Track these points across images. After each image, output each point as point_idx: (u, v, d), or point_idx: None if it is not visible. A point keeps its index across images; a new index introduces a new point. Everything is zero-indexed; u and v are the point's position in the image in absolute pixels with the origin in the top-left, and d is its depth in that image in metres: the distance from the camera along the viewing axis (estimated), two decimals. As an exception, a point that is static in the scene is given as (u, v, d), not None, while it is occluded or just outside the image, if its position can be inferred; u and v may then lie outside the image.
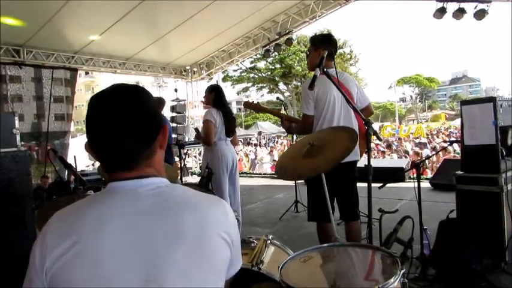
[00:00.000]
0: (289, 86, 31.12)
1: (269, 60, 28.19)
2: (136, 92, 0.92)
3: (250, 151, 15.36)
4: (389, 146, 12.79)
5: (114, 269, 0.80)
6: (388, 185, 3.11)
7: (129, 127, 0.86)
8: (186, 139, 10.46)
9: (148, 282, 0.80)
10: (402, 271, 1.25)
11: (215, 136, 3.86)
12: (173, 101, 10.65)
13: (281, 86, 32.12)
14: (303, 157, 1.93)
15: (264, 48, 9.25)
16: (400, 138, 16.95)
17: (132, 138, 0.87)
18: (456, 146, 9.09)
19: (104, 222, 0.83)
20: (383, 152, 11.35)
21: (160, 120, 0.94)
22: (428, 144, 12.70)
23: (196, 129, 4.59)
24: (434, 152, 8.74)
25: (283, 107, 6.01)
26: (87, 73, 41.45)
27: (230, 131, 3.97)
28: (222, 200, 0.97)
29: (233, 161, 4.00)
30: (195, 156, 11.83)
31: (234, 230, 0.94)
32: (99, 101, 0.89)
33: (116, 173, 0.90)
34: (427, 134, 18.38)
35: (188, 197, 0.92)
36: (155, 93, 20.15)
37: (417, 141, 14.53)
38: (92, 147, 0.89)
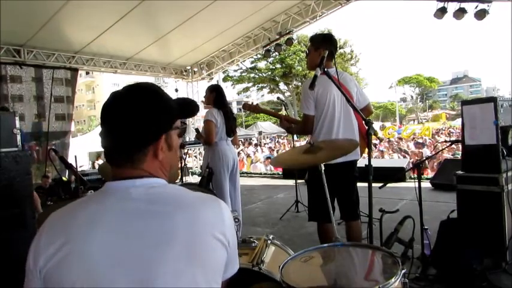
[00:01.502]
0: (290, 86, 31.13)
1: (269, 60, 28.24)
2: (144, 96, 0.94)
3: (250, 152, 15.37)
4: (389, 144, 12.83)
5: (104, 269, 0.80)
6: (388, 184, 3.10)
7: (122, 129, 0.90)
8: (187, 139, 10.46)
9: (138, 283, 0.80)
10: (403, 271, 1.25)
11: (216, 136, 3.86)
12: (174, 101, 10.67)
13: (282, 86, 32.14)
14: (302, 153, 1.95)
15: (264, 48, 9.23)
16: (400, 138, 16.92)
17: (121, 139, 0.91)
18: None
19: (95, 222, 0.84)
20: (382, 152, 11.34)
21: (159, 131, 0.94)
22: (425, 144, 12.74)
23: (196, 130, 4.59)
24: (434, 152, 8.74)
25: (283, 107, 6.01)
26: (87, 73, 41.51)
27: (231, 131, 3.98)
28: (217, 200, 0.95)
29: (234, 161, 4.00)
30: (195, 156, 11.83)
31: (230, 231, 0.92)
32: (110, 97, 0.95)
33: (113, 168, 0.94)
34: (433, 135, 18.33)
35: (181, 197, 0.91)
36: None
37: (416, 141, 14.55)
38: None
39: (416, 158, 9.41)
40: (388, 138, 16.05)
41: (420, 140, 14.47)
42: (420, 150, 11.04)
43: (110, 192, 0.90)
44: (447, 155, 9.13)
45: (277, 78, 30.72)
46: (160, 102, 0.95)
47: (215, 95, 3.98)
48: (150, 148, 0.92)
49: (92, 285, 0.79)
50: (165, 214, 0.85)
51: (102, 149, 0.96)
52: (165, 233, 0.83)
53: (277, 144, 19.04)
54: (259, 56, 17.81)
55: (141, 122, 0.90)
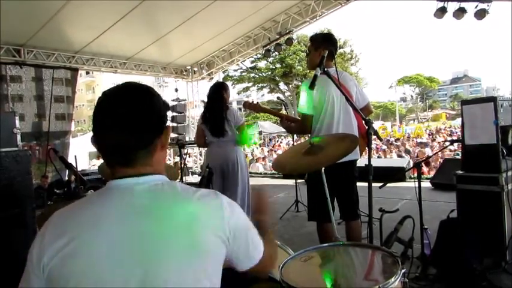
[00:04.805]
0: (290, 86, 31.11)
1: (269, 59, 28.20)
2: (144, 92, 0.94)
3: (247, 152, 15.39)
4: (390, 144, 12.84)
5: (109, 266, 0.81)
6: (388, 184, 3.11)
7: (130, 126, 0.89)
8: (187, 139, 10.47)
9: (142, 278, 0.81)
10: (403, 271, 1.25)
11: (207, 138, 3.88)
12: (174, 100, 10.75)
13: (282, 85, 32.11)
14: (302, 154, 1.94)
15: (264, 48, 9.22)
16: (397, 139, 16.90)
17: (131, 136, 0.89)
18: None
19: (101, 220, 0.85)
20: (384, 151, 11.33)
21: (164, 122, 0.95)
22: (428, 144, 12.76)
23: None
24: (434, 152, 8.74)
25: (283, 107, 6.01)
26: (87, 73, 41.48)
27: (217, 132, 3.79)
28: (218, 196, 0.96)
29: (226, 162, 3.80)
30: (195, 156, 11.84)
31: (229, 226, 0.92)
32: (106, 97, 0.93)
33: (116, 168, 0.92)
34: (429, 134, 18.35)
35: (183, 195, 0.92)
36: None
37: (418, 140, 14.55)
38: (95, 141, 0.92)
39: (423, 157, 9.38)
40: (387, 139, 16.05)
41: (421, 140, 14.49)
42: (422, 149, 11.04)
43: (114, 190, 0.90)
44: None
45: (277, 78, 30.69)
46: (156, 94, 0.97)
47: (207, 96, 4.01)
48: (158, 140, 0.94)
49: (96, 280, 0.80)
50: (167, 212, 0.87)
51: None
52: (167, 229, 0.85)
53: (276, 144, 19.02)
54: (259, 55, 17.80)
55: (152, 114, 0.92)
